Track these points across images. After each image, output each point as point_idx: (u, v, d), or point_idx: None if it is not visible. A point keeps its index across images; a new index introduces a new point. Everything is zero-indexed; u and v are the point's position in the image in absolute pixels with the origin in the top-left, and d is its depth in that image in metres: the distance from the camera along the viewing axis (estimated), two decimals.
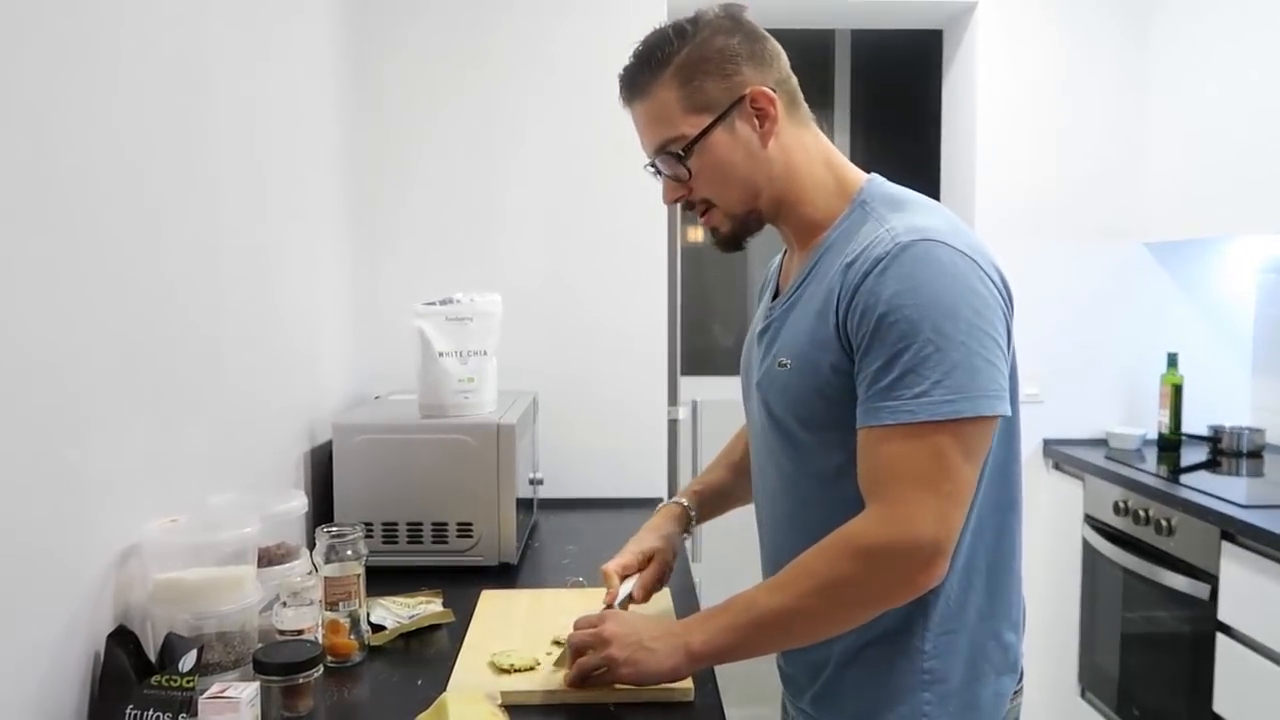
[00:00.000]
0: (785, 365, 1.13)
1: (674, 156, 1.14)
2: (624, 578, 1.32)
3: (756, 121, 1.13)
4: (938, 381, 0.99)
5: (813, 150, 1.17)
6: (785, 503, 1.19)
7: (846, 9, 2.96)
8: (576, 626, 1.18)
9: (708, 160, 1.13)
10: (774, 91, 1.13)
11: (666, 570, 1.37)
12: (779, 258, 1.33)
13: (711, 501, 1.45)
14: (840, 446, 1.08)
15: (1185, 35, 2.78)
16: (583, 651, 1.15)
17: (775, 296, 1.24)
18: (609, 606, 1.27)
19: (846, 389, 1.07)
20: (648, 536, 1.37)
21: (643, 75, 1.14)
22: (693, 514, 1.43)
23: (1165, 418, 2.83)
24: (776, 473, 1.19)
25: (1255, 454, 2.71)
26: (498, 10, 2.19)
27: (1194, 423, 2.86)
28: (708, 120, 1.12)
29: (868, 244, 1.06)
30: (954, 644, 1.09)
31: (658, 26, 1.17)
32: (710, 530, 2.39)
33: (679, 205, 1.22)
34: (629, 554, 1.34)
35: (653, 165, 1.19)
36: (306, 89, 1.81)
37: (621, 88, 1.18)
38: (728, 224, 1.17)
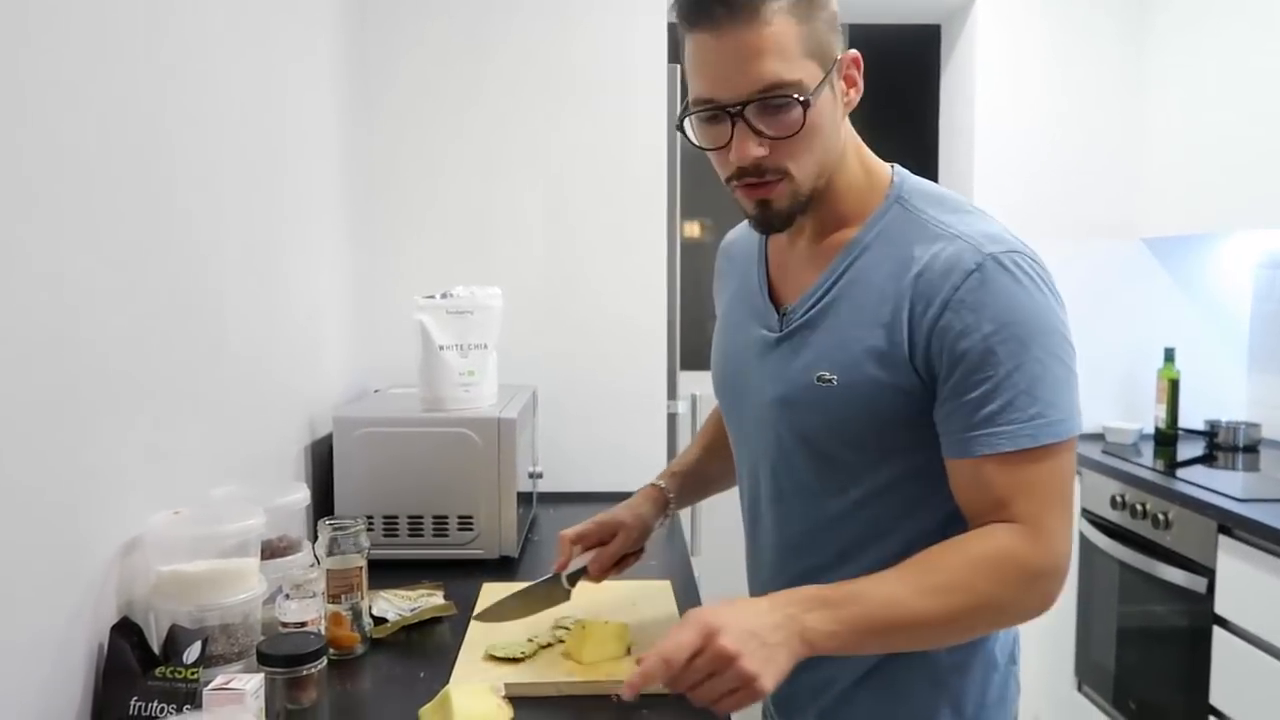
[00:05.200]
0: (830, 381, 1.02)
1: (790, 104, 0.95)
2: (586, 549, 1.26)
3: (844, 87, 1.01)
4: (1051, 402, 0.94)
5: (851, 134, 1.07)
6: (803, 523, 1.10)
7: (845, 4, 2.95)
8: (665, 647, 0.89)
9: (814, 122, 0.97)
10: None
11: (630, 549, 1.27)
12: (746, 242, 1.21)
13: (691, 485, 1.38)
14: (884, 466, 1.03)
15: (1182, 32, 2.79)
16: (688, 671, 0.88)
17: (771, 292, 1.13)
18: (555, 575, 1.23)
19: (908, 409, 0.99)
20: (618, 510, 1.30)
21: None
22: (670, 497, 1.34)
23: (1162, 412, 2.85)
24: (795, 492, 1.10)
25: (1251, 448, 2.72)
26: (501, 8, 2.19)
27: (1191, 417, 2.88)
28: (819, 72, 0.96)
29: (936, 253, 0.97)
30: (972, 656, 1.08)
31: None
32: (709, 523, 2.40)
33: (730, 174, 1.01)
34: (590, 523, 1.28)
35: (730, 112, 0.95)
36: (310, 84, 1.81)
37: (707, 3, 0.94)
38: (789, 201, 1.01)
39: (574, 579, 1.25)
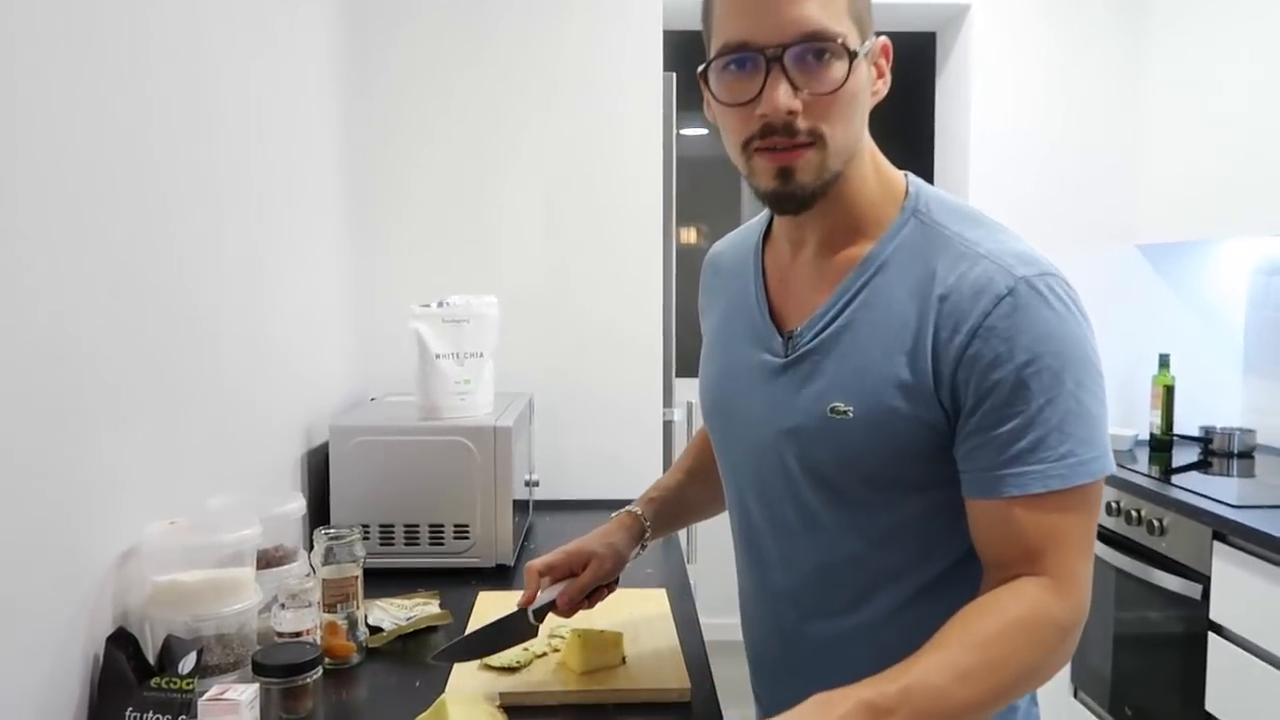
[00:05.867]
0: (845, 413, 0.94)
1: (837, 55, 0.88)
2: (555, 580, 1.18)
3: (875, 73, 0.95)
4: (1084, 439, 0.87)
5: (866, 135, 0.99)
6: (813, 563, 1.03)
7: None
8: None
9: (854, 85, 0.90)
10: None
11: (601, 581, 1.19)
12: (726, 257, 1.14)
13: (670, 512, 1.29)
14: (901, 504, 0.96)
15: (1178, 39, 2.80)
16: None
17: (771, 311, 1.05)
18: (521, 609, 1.16)
19: (929, 443, 0.92)
20: (589, 539, 1.21)
21: None
22: (647, 525, 1.25)
23: (1157, 418, 2.85)
24: (804, 528, 1.02)
25: (1246, 454, 2.73)
26: (496, 13, 2.20)
27: (1185, 423, 2.89)
28: (859, 41, 0.90)
29: (963, 273, 0.90)
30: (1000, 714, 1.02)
31: None
32: (706, 531, 2.40)
33: (756, 133, 0.91)
34: (559, 553, 1.19)
35: (772, 55, 0.87)
36: (305, 91, 1.81)
37: None
38: (815, 174, 0.92)
39: (541, 613, 1.17)
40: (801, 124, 0.89)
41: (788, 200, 0.94)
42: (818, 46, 0.88)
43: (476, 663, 1.24)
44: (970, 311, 0.89)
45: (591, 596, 1.21)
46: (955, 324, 0.89)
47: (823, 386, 0.96)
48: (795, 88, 0.88)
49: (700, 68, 0.95)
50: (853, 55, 0.88)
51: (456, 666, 1.25)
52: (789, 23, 0.87)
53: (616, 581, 1.24)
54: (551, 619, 1.21)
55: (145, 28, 1.18)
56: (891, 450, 0.94)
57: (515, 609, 1.18)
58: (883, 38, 0.95)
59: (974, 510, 0.92)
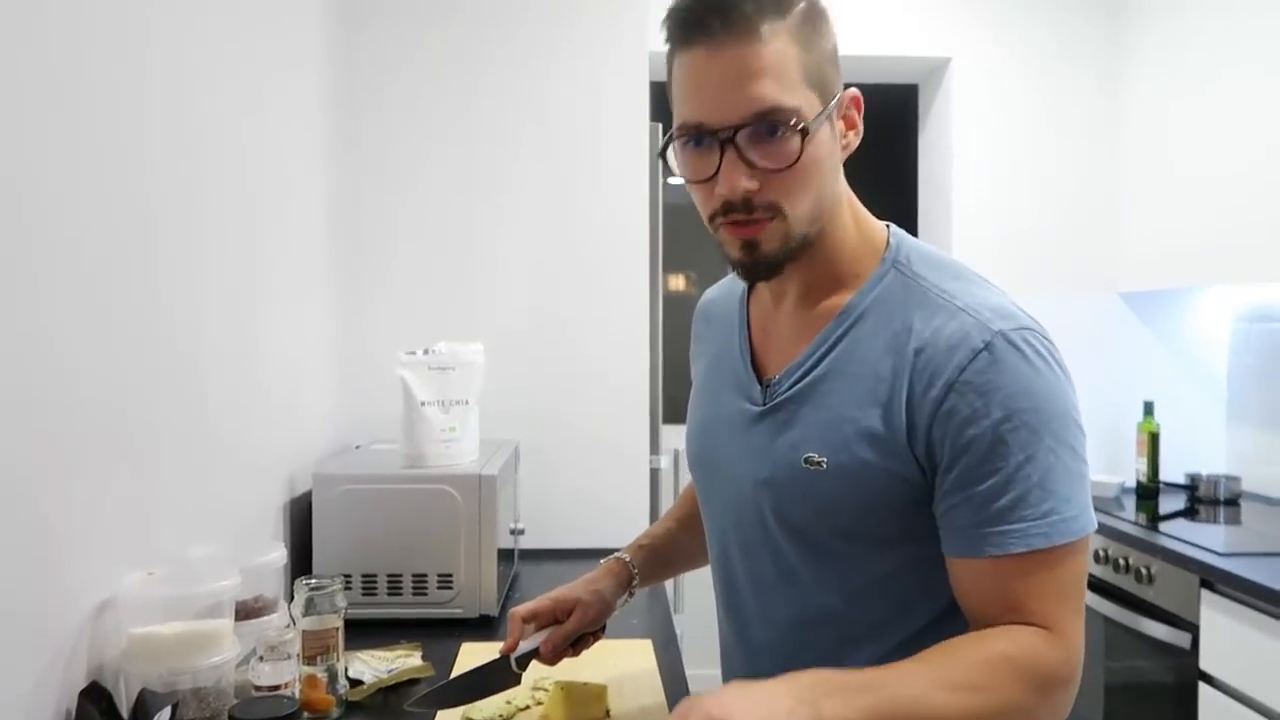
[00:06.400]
0: (819, 465, 0.93)
1: (786, 133, 0.86)
2: (539, 627, 1.16)
3: (843, 128, 0.94)
4: (1065, 497, 0.86)
5: (844, 186, 0.98)
6: (788, 616, 1.01)
7: None
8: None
9: (812, 156, 0.88)
10: None
11: (587, 629, 1.17)
12: (727, 304, 1.12)
13: (660, 560, 1.27)
14: (877, 558, 0.95)
15: (1156, 89, 2.86)
16: None
17: (753, 360, 1.04)
18: (503, 655, 1.15)
19: (905, 497, 0.91)
20: (575, 586, 1.20)
21: (757, 7, 0.86)
22: (635, 572, 1.23)
23: (1143, 465, 2.86)
24: (781, 580, 1.00)
25: (1232, 501, 2.73)
26: (483, 59, 2.23)
27: (1171, 470, 2.89)
28: (819, 105, 0.89)
29: (938, 327, 0.89)
30: None
31: None
32: (693, 579, 2.38)
33: (716, 210, 0.91)
34: (544, 600, 1.18)
35: (723, 137, 0.87)
36: (294, 137, 1.83)
37: (702, 14, 0.86)
38: (780, 244, 0.91)
39: (524, 661, 1.15)
40: (760, 199, 0.89)
41: (755, 270, 0.94)
42: (770, 124, 0.87)
43: (459, 714, 1.22)
44: (945, 366, 0.87)
45: (577, 644, 1.19)
46: (930, 378, 0.88)
47: (797, 437, 0.96)
48: (751, 165, 0.88)
49: (660, 147, 0.95)
50: (804, 131, 0.87)
51: (438, 719, 1.23)
52: (740, 103, 0.86)
53: (603, 629, 1.22)
54: (536, 669, 1.19)
55: (139, 75, 1.19)
56: (864, 503, 0.92)
57: (497, 655, 1.16)
58: (852, 90, 0.94)
59: (955, 568, 0.91)
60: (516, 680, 1.17)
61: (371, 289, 2.23)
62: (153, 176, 1.23)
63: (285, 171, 1.78)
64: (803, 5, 0.88)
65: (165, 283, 1.27)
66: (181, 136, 1.32)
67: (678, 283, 3.90)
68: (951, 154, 3.04)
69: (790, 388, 0.98)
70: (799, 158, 0.87)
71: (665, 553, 1.28)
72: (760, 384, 1.02)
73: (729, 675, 1.14)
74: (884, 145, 3.50)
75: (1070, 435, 0.88)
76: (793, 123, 0.86)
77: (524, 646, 1.15)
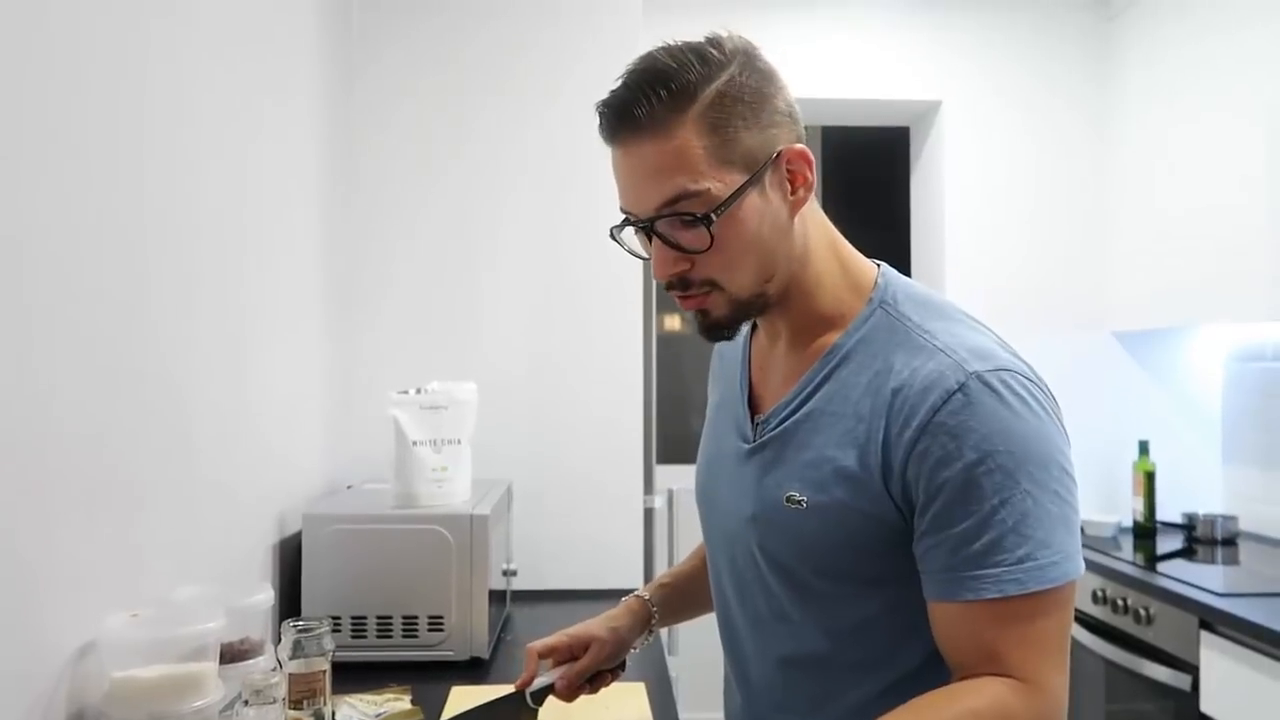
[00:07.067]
0: (800, 504, 0.94)
1: (694, 220, 0.89)
2: (557, 663, 1.16)
3: (789, 187, 0.93)
4: (1042, 541, 0.84)
5: (824, 231, 0.99)
6: (779, 655, 1.01)
7: (817, 107, 3.06)
8: None
9: (734, 231, 0.90)
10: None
11: (604, 665, 1.17)
12: (738, 341, 1.11)
13: (679, 600, 1.26)
14: (862, 600, 0.94)
15: (1146, 129, 2.89)
16: None
17: (750, 398, 1.06)
18: (518, 690, 1.14)
19: (884, 540, 0.91)
20: (593, 623, 1.19)
21: (655, 106, 0.88)
22: (654, 610, 1.22)
23: (1140, 505, 2.85)
24: (774, 618, 1.00)
25: (1230, 541, 2.72)
26: (478, 98, 2.24)
27: (1168, 510, 2.88)
28: (740, 178, 0.90)
29: (916, 368, 0.89)
30: None
31: (659, 46, 0.92)
32: (689, 622, 2.35)
33: (663, 285, 0.96)
34: (561, 636, 1.17)
35: (640, 226, 0.93)
36: (288, 172, 1.83)
37: (613, 118, 0.91)
38: (727, 309, 0.95)
39: (540, 696, 1.14)
40: (694, 276, 0.93)
41: (711, 332, 0.98)
42: (675, 218, 0.90)
43: None
44: (920, 407, 0.87)
45: (594, 681, 1.18)
46: (906, 419, 0.88)
47: (781, 475, 0.96)
48: (678, 248, 0.92)
49: (610, 230, 0.99)
50: (710, 216, 0.88)
51: None
52: (650, 195, 0.90)
53: (622, 667, 1.21)
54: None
55: (133, 107, 1.19)
56: (842, 542, 0.92)
57: (513, 690, 1.15)
58: (796, 146, 0.93)
59: (933, 612, 0.90)
60: (533, 716, 1.16)
61: (364, 328, 2.22)
62: (144, 210, 1.23)
63: (279, 207, 1.79)
64: (712, 90, 0.89)
65: (155, 318, 1.27)
66: (174, 170, 1.32)
67: (673, 323, 3.91)
68: (943, 195, 3.06)
69: (777, 426, 0.99)
70: (713, 240, 0.90)
71: (685, 592, 1.27)
72: (752, 422, 1.03)
73: (729, 714, 1.13)
74: (877, 186, 3.53)
75: (1051, 479, 0.86)
76: (695, 213, 0.89)
77: (539, 682, 1.14)
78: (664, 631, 2.36)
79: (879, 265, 1.02)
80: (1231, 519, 2.76)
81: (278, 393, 1.77)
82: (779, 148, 0.92)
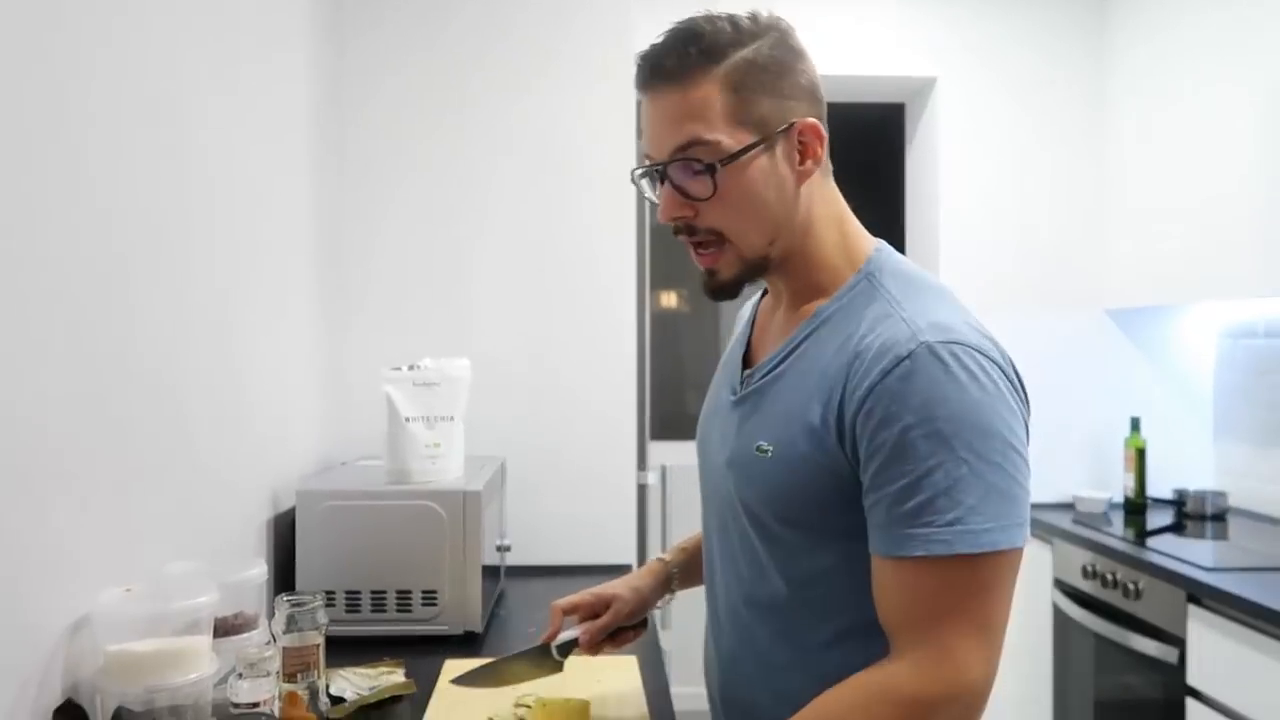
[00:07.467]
0: (766, 452, 1.00)
1: (702, 166, 0.96)
2: (581, 620, 1.23)
3: (798, 157, 1.00)
4: (973, 507, 0.87)
5: (831, 205, 1.05)
6: (743, 593, 1.07)
7: None
8: None
9: (739, 185, 0.97)
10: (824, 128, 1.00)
11: (624, 623, 1.24)
12: (751, 302, 1.20)
13: (696, 563, 1.28)
14: (818, 550, 0.99)
15: (1141, 106, 2.88)
16: None
17: (747, 353, 1.13)
18: (545, 645, 1.21)
19: (840, 492, 0.95)
20: (616, 583, 1.27)
21: (686, 60, 0.96)
22: (675, 573, 1.29)
23: (1131, 481, 2.87)
24: (745, 558, 1.06)
25: (1219, 517, 2.74)
26: (470, 77, 2.23)
27: (1159, 486, 2.90)
28: (751, 139, 0.97)
29: (879, 333, 0.94)
30: None
31: (700, 13, 0.99)
32: (681, 595, 2.37)
33: (671, 230, 1.02)
34: (585, 594, 1.25)
35: (654, 172, 1.01)
36: (278, 152, 1.83)
37: (647, 67, 0.99)
38: (734, 268, 1.02)
39: (565, 650, 1.20)
40: (699, 224, 1.00)
41: (715, 290, 1.04)
42: (685, 162, 0.97)
43: None
44: (873, 369, 0.92)
45: (616, 637, 1.25)
46: (859, 380, 0.93)
47: (755, 425, 1.03)
48: (686, 194, 0.98)
49: (630, 173, 1.07)
50: (712, 168, 0.96)
51: None
52: (667, 139, 0.98)
53: (644, 624, 1.29)
54: (519, 690, 1.22)
55: (120, 93, 1.19)
56: (800, 491, 0.97)
57: (538, 644, 1.21)
58: (808, 120, 0.99)
59: (873, 567, 0.94)
60: (559, 667, 1.23)
61: (356, 305, 2.22)
62: (135, 193, 1.23)
63: (269, 187, 1.78)
64: (740, 56, 0.96)
65: (147, 297, 1.27)
66: (163, 152, 1.32)
67: (669, 299, 3.91)
68: (938, 171, 3.05)
69: (758, 381, 1.05)
70: (714, 190, 0.97)
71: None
72: (742, 376, 1.10)
73: (706, 652, 1.18)
74: (872, 162, 3.52)
75: (992, 450, 0.88)
76: (703, 159, 0.96)
77: (564, 636, 1.21)
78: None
79: (879, 243, 1.07)
80: (1221, 495, 2.78)
81: (271, 370, 1.77)
82: (794, 120, 0.99)
